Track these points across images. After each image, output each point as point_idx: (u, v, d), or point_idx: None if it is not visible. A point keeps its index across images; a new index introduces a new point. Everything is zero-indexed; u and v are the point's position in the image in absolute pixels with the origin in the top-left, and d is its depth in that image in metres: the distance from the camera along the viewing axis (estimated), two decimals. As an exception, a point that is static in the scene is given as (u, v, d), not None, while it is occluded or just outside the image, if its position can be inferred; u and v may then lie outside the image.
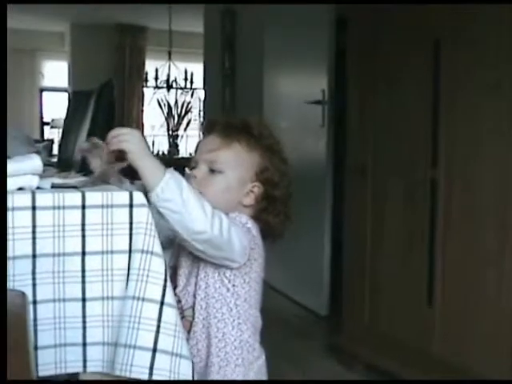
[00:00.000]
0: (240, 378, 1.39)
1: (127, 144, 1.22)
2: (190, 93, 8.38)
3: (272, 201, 1.44)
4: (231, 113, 5.00)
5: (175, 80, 8.18)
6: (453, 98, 2.41)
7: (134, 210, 1.18)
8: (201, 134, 1.54)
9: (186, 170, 1.49)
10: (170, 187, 1.20)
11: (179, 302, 1.39)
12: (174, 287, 1.40)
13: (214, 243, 1.27)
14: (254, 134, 1.43)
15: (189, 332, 1.39)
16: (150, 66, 8.59)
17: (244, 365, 1.39)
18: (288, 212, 1.47)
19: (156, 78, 8.03)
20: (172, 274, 1.44)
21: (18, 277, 1.13)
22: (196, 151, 1.48)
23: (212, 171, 1.40)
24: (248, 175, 1.42)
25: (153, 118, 9.86)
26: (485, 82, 2.27)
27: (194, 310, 1.39)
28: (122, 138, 1.23)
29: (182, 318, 1.38)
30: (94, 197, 1.17)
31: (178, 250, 1.43)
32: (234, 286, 1.38)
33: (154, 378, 1.17)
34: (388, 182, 2.75)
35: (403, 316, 2.65)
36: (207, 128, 1.49)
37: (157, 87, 8.18)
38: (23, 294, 0.92)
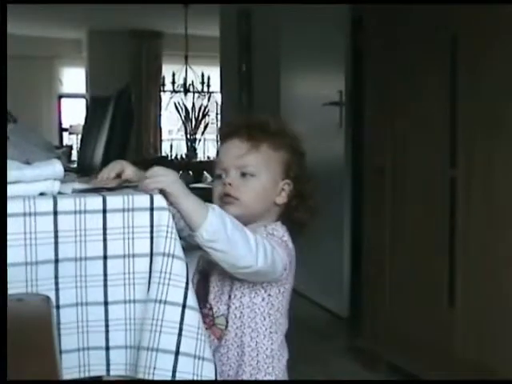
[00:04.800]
0: None
1: (168, 186, 1.20)
2: (207, 96, 8.41)
3: (302, 197, 1.43)
4: (247, 114, 5.00)
5: (192, 84, 8.21)
6: (471, 96, 2.39)
7: (155, 213, 1.18)
8: (219, 139, 1.50)
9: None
10: (214, 226, 1.19)
11: (211, 309, 1.39)
12: (206, 294, 1.40)
13: (259, 274, 1.28)
14: (275, 132, 1.42)
15: (219, 339, 1.38)
16: (167, 70, 8.64)
17: (275, 373, 1.39)
18: (315, 205, 1.46)
19: (173, 83, 8.07)
20: (201, 279, 1.44)
21: (40, 281, 1.14)
22: (218, 158, 1.45)
23: (244, 176, 1.38)
24: (278, 174, 1.41)
25: (170, 122, 9.91)
26: (504, 80, 2.25)
27: (227, 318, 1.37)
28: (159, 179, 1.21)
29: (213, 325, 1.38)
30: (114, 201, 1.18)
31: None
32: (269, 295, 1.37)
33: (177, 380, 1.17)
34: (407, 182, 2.73)
35: (424, 317, 2.63)
36: (226, 133, 1.46)
37: (174, 91, 8.22)
38: (48, 297, 0.92)
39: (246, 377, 1.37)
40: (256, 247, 1.23)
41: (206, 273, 1.42)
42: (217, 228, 1.19)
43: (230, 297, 1.37)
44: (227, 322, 1.37)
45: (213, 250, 1.21)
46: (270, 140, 1.40)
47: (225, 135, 1.46)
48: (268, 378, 1.38)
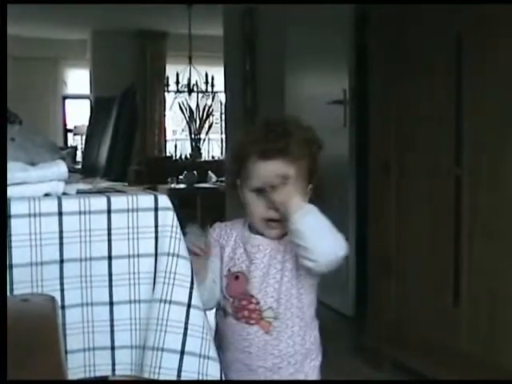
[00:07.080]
0: (315, 372, 1.46)
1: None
2: (211, 96, 8.41)
3: (321, 194, 1.50)
4: (253, 115, 5.00)
5: (196, 84, 8.21)
6: (476, 95, 2.39)
7: (160, 213, 1.19)
8: (257, 154, 1.42)
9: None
10: (315, 212, 1.32)
11: (258, 303, 1.39)
12: (244, 292, 1.39)
13: (339, 260, 1.35)
14: (301, 142, 1.41)
15: (267, 333, 1.39)
16: (171, 70, 8.64)
17: (317, 359, 1.46)
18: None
19: (177, 83, 8.07)
20: (229, 282, 1.42)
21: (46, 282, 1.14)
22: (258, 173, 1.39)
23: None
24: (305, 182, 1.44)
25: (175, 122, 9.92)
26: (509, 78, 2.25)
27: (275, 310, 1.39)
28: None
29: (261, 319, 1.39)
30: (119, 201, 1.18)
31: (247, 255, 1.42)
32: (312, 285, 1.44)
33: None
34: (412, 180, 2.73)
35: (429, 316, 2.63)
36: (268, 152, 1.39)
37: (178, 91, 8.22)
38: (53, 298, 0.93)
39: (297, 366, 1.41)
40: (341, 235, 1.33)
41: (236, 275, 1.42)
42: (317, 213, 1.32)
43: (277, 289, 1.38)
44: (276, 314, 1.39)
45: (311, 234, 1.30)
46: (298, 153, 1.40)
47: (266, 155, 1.40)
48: (313, 363, 1.45)
